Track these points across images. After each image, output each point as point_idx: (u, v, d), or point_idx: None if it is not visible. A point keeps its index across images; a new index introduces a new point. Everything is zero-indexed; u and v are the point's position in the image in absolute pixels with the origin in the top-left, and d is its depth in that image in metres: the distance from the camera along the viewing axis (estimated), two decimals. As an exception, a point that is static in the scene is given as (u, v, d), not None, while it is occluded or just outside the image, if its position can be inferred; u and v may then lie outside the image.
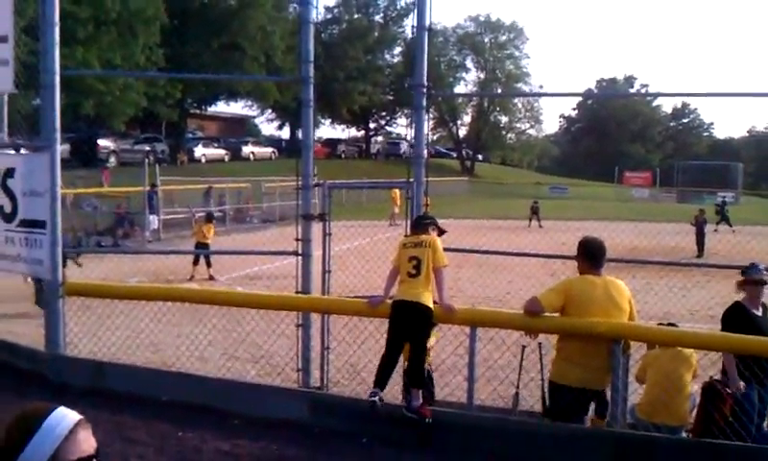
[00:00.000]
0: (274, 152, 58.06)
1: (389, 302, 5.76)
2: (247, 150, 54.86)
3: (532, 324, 5.40)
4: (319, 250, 7.19)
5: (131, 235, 24.11)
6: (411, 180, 6.87)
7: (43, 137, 6.14)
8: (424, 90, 7.01)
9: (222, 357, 9.69)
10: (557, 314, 5.27)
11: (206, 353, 9.62)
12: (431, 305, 5.62)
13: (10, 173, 6.38)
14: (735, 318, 5.65)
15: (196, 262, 17.01)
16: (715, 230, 29.28)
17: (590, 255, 5.35)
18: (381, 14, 71.60)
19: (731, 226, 31.19)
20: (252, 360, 9.47)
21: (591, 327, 5.06)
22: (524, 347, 5.98)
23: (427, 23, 7.03)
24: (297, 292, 7.08)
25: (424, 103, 7.04)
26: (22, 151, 6.82)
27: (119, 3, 37.44)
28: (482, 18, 75.23)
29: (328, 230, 7.04)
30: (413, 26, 7.20)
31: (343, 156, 64.18)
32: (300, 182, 7.04)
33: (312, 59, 6.91)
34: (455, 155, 78.26)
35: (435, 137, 77.32)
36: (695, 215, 24.66)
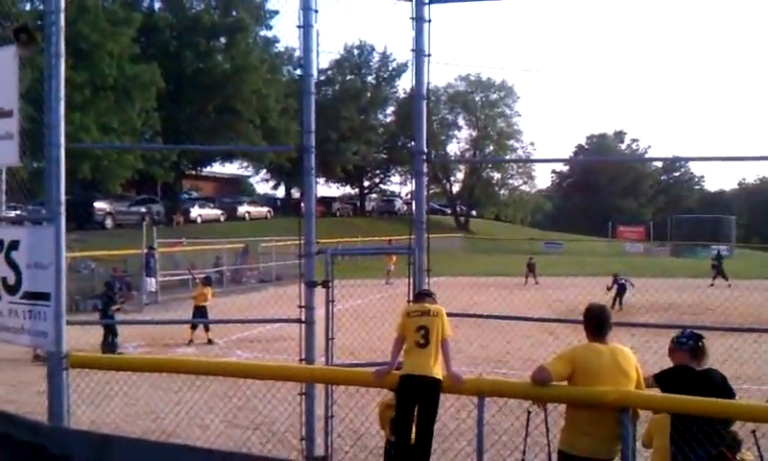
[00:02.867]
0: (269, 211, 58.29)
1: (395, 372, 5.71)
2: (243, 210, 55.06)
3: (541, 393, 5.38)
4: (321, 309, 7.19)
5: (127, 299, 24.02)
6: (412, 245, 6.93)
7: (48, 210, 6.19)
8: (424, 157, 7.12)
9: (222, 424, 9.63)
10: (565, 382, 5.27)
11: (207, 420, 9.57)
12: (441, 377, 5.56)
13: (14, 245, 6.41)
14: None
15: (194, 327, 16.99)
16: (711, 285, 29.38)
17: (593, 325, 5.39)
18: (374, 75, 72.76)
19: (726, 279, 31.26)
20: (252, 427, 9.39)
21: (600, 397, 5.06)
22: (530, 412, 5.96)
23: (425, 92, 7.17)
24: (300, 360, 7.07)
25: (425, 169, 7.14)
26: (25, 223, 6.87)
27: (116, 68, 37.99)
28: (472, 78, 76.46)
29: (331, 297, 7.07)
30: (411, 94, 7.34)
31: (338, 214, 64.48)
32: (302, 250, 7.09)
33: (313, 128, 7.03)
34: (449, 211, 78.70)
35: (429, 193, 77.64)
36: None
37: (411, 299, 6.54)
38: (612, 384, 5.11)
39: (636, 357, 5.38)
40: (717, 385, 5.24)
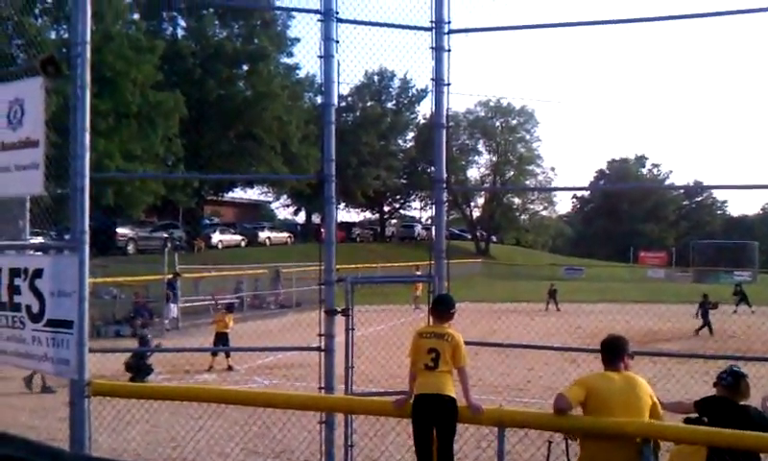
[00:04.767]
0: (290, 237, 58.48)
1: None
2: (263, 235, 55.29)
3: (561, 423, 5.36)
4: (341, 335, 7.18)
5: (149, 325, 24.15)
6: (432, 274, 6.94)
7: (72, 239, 6.26)
8: (444, 186, 7.15)
9: (242, 452, 9.61)
10: (580, 411, 5.28)
11: (227, 448, 9.56)
12: (454, 395, 5.55)
13: (38, 273, 6.48)
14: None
15: (215, 353, 17.03)
16: (734, 312, 29.01)
17: (605, 353, 5.50)
18: (394, 101, 73.12)
19: (749, 306, 30.90)
20: (272, 455, 9.37)
21: (619, 427, 5.04)
22: (550, 442, 5.92)
23: (444, 121, 7.21)
24: (320, 388, 7.07)
25: (444, 198, 7.16)
26: (50, 251, 6.94)
27: (139, 96, 38.50)
28: (492, 103, 76.49)
29: (351, 325, 7.07)
30: (431, 121, 7.37)
31: (358, 239, 64.56)
32: (322, 277, 7.11)
33: (334, 157, 7.09)
34: (469, 236, 78.52)
35: (449, 219, 77.57)
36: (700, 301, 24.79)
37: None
38: (624, 411, 5.14)
39: (650, 387, 5.38)
40: (754, 420, 5.32)
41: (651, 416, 5.24)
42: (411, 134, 74.80)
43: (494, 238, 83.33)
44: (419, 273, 27.53)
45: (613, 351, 5.47)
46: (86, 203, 6.19)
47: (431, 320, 6.08)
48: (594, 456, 5.21)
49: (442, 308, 6.00)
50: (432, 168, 7.41)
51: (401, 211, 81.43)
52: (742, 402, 5.59)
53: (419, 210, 79.78)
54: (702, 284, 47.21)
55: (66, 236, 6.48)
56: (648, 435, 5.13)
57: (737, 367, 5.87)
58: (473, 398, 5.65)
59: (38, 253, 7.00)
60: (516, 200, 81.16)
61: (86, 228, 6.19)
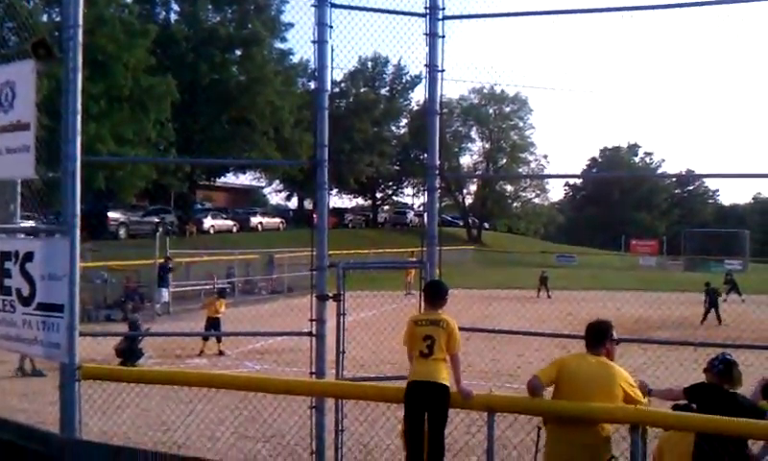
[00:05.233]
0: (282, 222, 58.42)
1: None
2: (255, 220, 55.23)
3: (550, 408, 5.41)
4: (332, 320, 7.19)
5: (140, 309, 24.12)
6: (424, 260, 6.95)
7: (63, 223, 6.24)
8: (437, 172, 7.15)
9: (232, 436, 9.63)
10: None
11: (217, 432, 9.59)
12: (447, 383, 5.56)
13: (28, 257, 6.47)
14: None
15: (206, 338, 17.05)
16: (724, 300, 29.17)
17: (587, 336, 5.58)
18: (387, 88, 72.99)
19: (740, 294, 31.06)
20: (263, 439, 9.41)
21: (609, 413, 5.10)
22: (540, 428, 5.95)
23: (438, 107, 7.21)
24: (311, 373, 7.09)
25: (437, 184, 7.17)
26: (40, 234, 6.92)
27: (131, 80, 38.30)
28: (486, 90, 76.36)
29: (343, 310, 7.08)
30: (425, 107, 7.38)
31: (350, 225, 64.54)
32: (314, 263, 7.12)
33: (327, 143, 7.07)
34: (462, 223, 78.63)
35: (441, 206, 77.60)
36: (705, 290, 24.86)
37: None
38: (592, 393, 5.19)
39: (630, 378, 5.40)
40: (743, 407, 5.35)
41: (628, 400, 5.25)
42: (404, 121, 74.82)
43: (487, 225, 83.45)
44: (413, 259, 27.63)
45: (596, 336, 5.52)
46: (77, 186, 6.16)
47: (424, 306, 6.04)
48: (559, 438, 5.29)
49: (435, 294, 5.97)
50: (425, 155, 7.41)
51: (394, 198, 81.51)
52: (733, 390, 5.62)
53: (411, 197, 79.94)
54: (692, 273, 47.49)
55: (57, 220, 6.45)
56: (637, 421, 5.16)
57: (729, 354, 5.90)
58: (464, 383, 5.68)
59: (29, 236, 6.98)
60: (509, 187, 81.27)
61: (77, 211, 6.17)
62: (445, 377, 5.56)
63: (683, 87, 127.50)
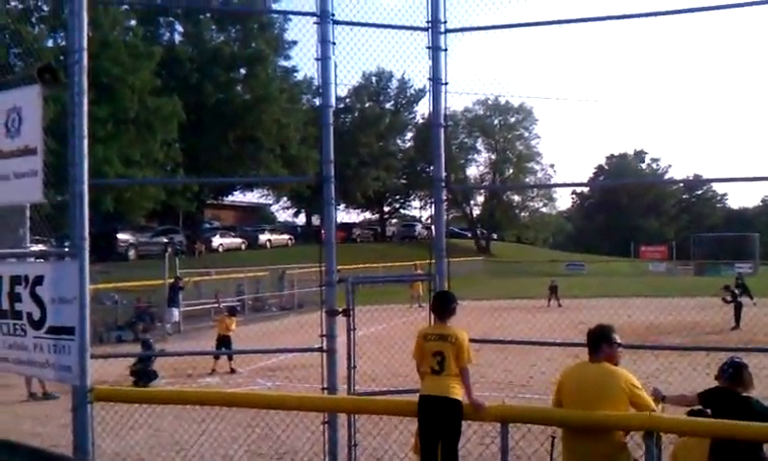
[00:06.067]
0: (290, 239, 58.49)
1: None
2: (264, 238, 55.31)
3: (564, 418, 5.38)
4: (343, 335, 7.19)
5: (151, 329, 24.16)
6: (433, 273, 6.95)
7: (72, 245, 6.27)
8: (443, 185, 7.16)
9: (245, 454, 9.61)
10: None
11: (231, 451, 9.57)
12: (460, 398, 5.54)
13: (38, 280, 6.50)
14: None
15: (217, 356, 17.05)
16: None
17: (587, 345, 5.58)
18: (392, 102, 73.19)
19: (751, 298, 30.84)
20: (276, 457, 9.38)
21: (625, 421, 5.08)
22: (554, 438, 5.93)
23: (442, 120, 7.23)
24: (322, 389, 7.08)
25: (444, 197, 7.18)
26: (50, 258, 6.95)
27: (137, 102, 38.51)
28: (490, 102, 76.43)
29: (353, 325, 7.08)
30: (430, 120, 7.40)
31: (358, 239, 64.58)
32: (323, 279, 7.13)
33: (332, 158, 7.10)
34: (470, 234, 78.56)
35: (449, 217, 77.70)
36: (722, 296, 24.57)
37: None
38: (593, 401, 5.18)
39: (632, 377, 5.36)
40: (757, 411, 5.33)
41: (633, 405, 5.21)
42: (410, 134, 75.07)
43: (495, 236, 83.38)
44: (419, 272, 27.69)
45: (593, 342, 5.51)
46: (86, 209, 6.20)
47: (433, 319, 6.03)
48: (574, 449, 5.28)
49: (442, 306, 5.94)
50: (431, 167, 7.42)
51: (401, 211, 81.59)
52: (745, 393, 5.60)
53: (418, 210, 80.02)
54: (703, 277, 47.27)
55: (67, 243, 6.49)
56: (651, 428, 5.13)
57: (738, 358, 5.89)
58: (475, 395, 5.66)
59: (39, 260, 7.02)
60: (516, 197, 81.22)
61: (86, 234, 6.20)
62: (458, 393, 5.54)
63: (687, 93, 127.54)
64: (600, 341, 5.45)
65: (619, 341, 5.53)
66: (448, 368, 5.55)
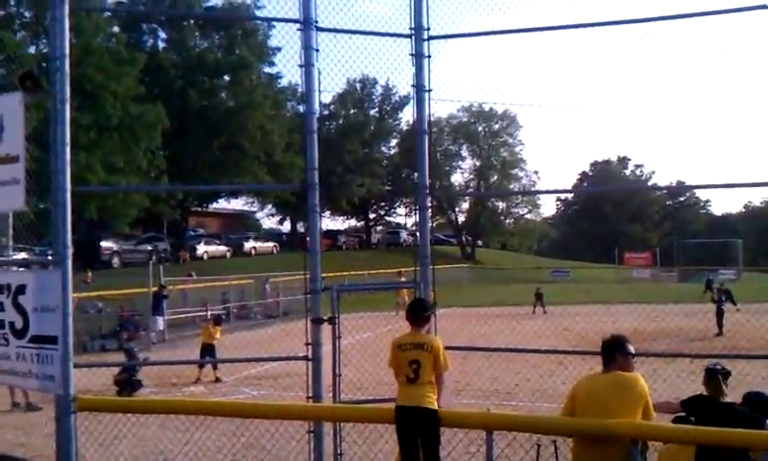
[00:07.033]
0: (275, 246, 58.31)
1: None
2: (248, 245, 55.11)
3: (549, 426, 5.38)
4: (328, 344, 7.16)
5: (135, 338, 24.00)
6: (418, 280, 6.94)
7: (55, 254, 6.23)
8: (428, 191, 7.16)
9: (230, 464, 9.55)
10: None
11: (216, 460, 9.51)
12: (435, 407, 5.53)
13: (21, 289, 6.45)
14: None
15: (202, 365, 16.95)
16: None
17: (602, 353, 5.46)
18: (377, 109, 73.22)
19: (735, 304, 31.02)
20: (261, 466, 9.32)
21: (610, 428, 5.04)
22: (539, 446, 5.93)
23: (426, 127, 7.23)
24: (308, 397, 7.05)
25: (428, 203, 7.18)
26: (33, 266, 6.90)
27: (121, 109, 38.34)
28: (474, 108, 76.62)
29: (338, 333, 7.06)
30: (414, 128, 7.40)
31: (344, 246, 64.47)
32: (308, 286, 7.10)
33: (317, 165, 7.08)
34: (455, 241, 78.66)
35: (434, 224, 77.84)
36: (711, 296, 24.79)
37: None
38: (603, 411, 5.10)
39: (645, 387, 5.33)
40: (739, 418, 5.35)
41: (643, 416, 5.16)
42: (394, 141, 75.01)
43: (480, 243, 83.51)
44: (403, 279, 27.69)
45: (605, 352, 5.44)
46: (68, 217, 6.16)
47: (409, 327, 5.94)
48: (585, 458, 5.22)
49: (417, 314, 5.90)
50: (416, 174, 7.43)
51: (386, 218, 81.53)
52: (726, 400, 5.62)
53: (404, 217, 79.94)
54: (687, 283, 47.55)
55: (50, 251, 6.44)
56: (637, 435, 5.12)
57: (712, 364, 5.90)
58: (443, 401, 5.68)
59: (22, 268, 6.96)
60: (501, 204, 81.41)
61: (69, 242, 6.16)
62: (432, 401, 5.53)
63: (670, 100, 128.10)
64: (614, 351, 5.37)
65: (633, 351, 5.44)
66: (423, 376, 5.55)
